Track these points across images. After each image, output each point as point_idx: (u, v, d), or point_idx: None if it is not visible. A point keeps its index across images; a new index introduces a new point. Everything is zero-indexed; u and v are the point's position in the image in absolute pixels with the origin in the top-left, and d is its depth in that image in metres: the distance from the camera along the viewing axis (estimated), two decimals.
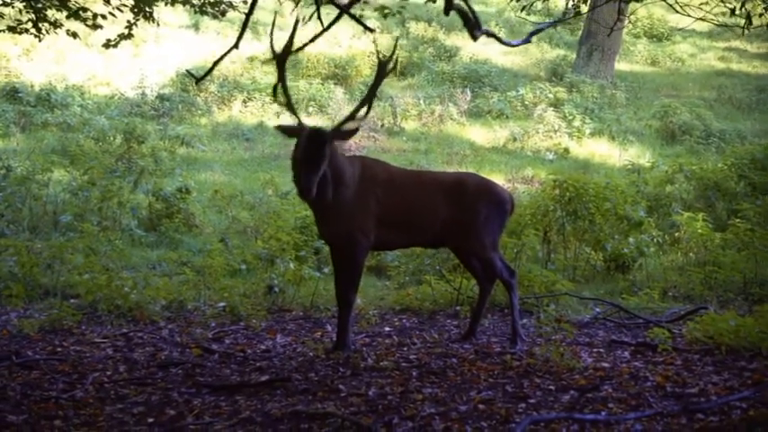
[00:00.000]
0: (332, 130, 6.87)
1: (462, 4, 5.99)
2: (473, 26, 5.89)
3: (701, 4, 7.92)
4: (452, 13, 6.44)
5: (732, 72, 26.13)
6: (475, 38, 6.10)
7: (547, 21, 19.83)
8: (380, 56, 6.89)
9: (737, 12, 8.02)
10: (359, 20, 7.04)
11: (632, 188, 12.99)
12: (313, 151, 6.68)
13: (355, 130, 7.09)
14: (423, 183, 7.60)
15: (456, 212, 7.40)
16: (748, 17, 7.85)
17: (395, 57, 6.93)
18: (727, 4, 8.00)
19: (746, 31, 8.01)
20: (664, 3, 8.08)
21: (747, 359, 6.97)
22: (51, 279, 9.46)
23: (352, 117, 7.02)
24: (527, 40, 8.30)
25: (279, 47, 6.89)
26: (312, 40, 7.07)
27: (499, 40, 6.77)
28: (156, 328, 8.28)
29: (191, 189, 13.61)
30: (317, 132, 6.78)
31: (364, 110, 7.02)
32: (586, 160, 18.95)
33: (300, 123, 6.90)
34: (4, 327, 8.12)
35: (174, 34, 24.41)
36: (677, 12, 8.43)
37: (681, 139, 20.20)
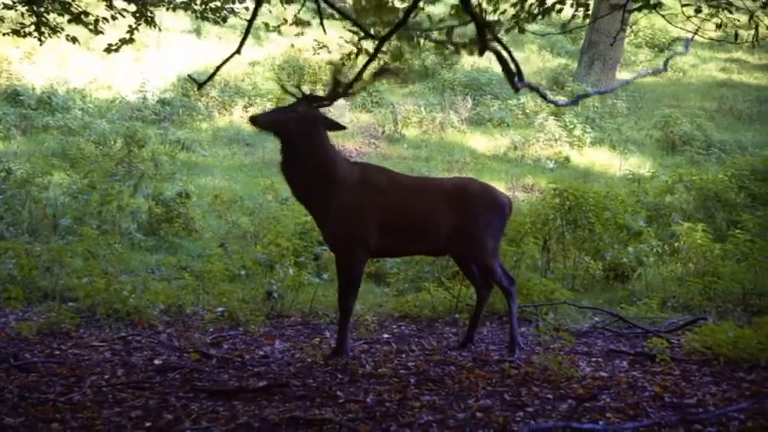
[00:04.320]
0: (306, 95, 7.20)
1: (501, 49, 5.80)
2: (513, 75, 5.73)
3: (692, 16, 7.94)
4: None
5: (733, 83, 26.13)
6: (516, 89, 6.00)
7: (551, 30, 19.87)
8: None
9: (725, 27, 8.09)
10: (362, 27, 7.04)
11: (632, 198, 13.01)
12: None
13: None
14: (426, 190, 7.58)
15: (457, 218, 7.37)
16: (736, 33, 7.98)
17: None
18: (716, 19, 8.04)
19: (747, 44, 8.10)
20: (663, 16, 8.08)
21: (746, 370, 6.97)
22: (50, 282, 9.46)
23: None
24: (575, 102, 8.27)
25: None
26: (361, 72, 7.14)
27: (543, 96, 6.69)
28: (154, 333, 8.28)
29: (191, 194, 13.63)
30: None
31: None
32: (587, 169, 18.94)
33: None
34: (3, 329, 8.13)
35: (175, 39, 24.44)
36: (673, 26, 8.47)
37: (681, 149, 20.18)
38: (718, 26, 8.01)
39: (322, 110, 7.09)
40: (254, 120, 7.12)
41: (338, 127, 7.29)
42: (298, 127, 7.01)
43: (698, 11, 7.64)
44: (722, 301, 9.60)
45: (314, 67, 22.74)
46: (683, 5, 7.66)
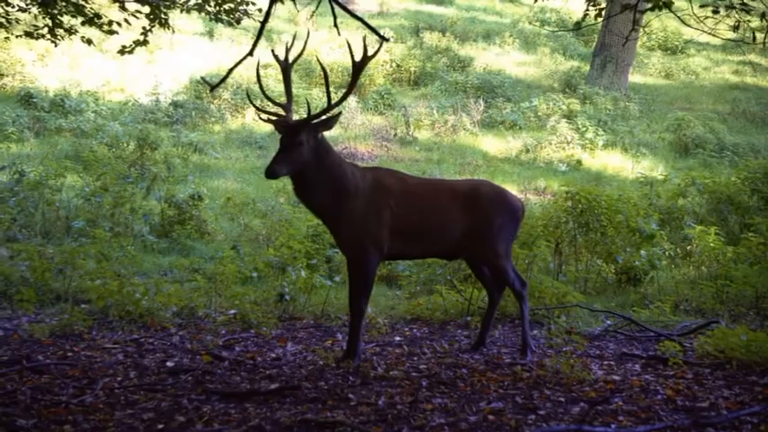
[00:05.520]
0: (304, 120, 7.07)
1: None
2: None
3: (708, 17, 7.90)
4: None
5: (746, 86, 26.08)
6: None
7: (560, 30, 19.91)
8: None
9: (741, 29, 8.03)
10: (374, 29, 7.06)
11: (645, 201, 12.97)
12: (285, 139, 6.95)
13: (331, 121, 7.21)
14: (438, 192, 7.54)
15: (470, 221, 7.36)
16: (753, 34, 7.89)
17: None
18: (733, 17, 8.00)
19: (759, 46, 8.02)
20: (679, 15, 8.06)
21: (758, 374, 6.94)
22: (63, 284, 9.47)
23: (327, 111, 7.15)
24: None
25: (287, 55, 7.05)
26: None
27: None
28: (166, 335, 8.29)
29: (203, 196, 13.66)
30: (290, 122, 7.09)
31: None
32: (599, 172, 18.93)
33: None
34: (16, 331, 8.14)
35: (188, 41, 24.50)
36: (688, 26, 8.42)
37: (694, 152, 20.15)
38: (735, 27, 7.96)
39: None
40: (272, 173, 6.87)
41: (331, 123, 7.23)
42: (311, 153, 6.99)
43: (715, 11, 7.58)
44: (735, 305, 9.58)
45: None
46: (701, 6, 7.61)
